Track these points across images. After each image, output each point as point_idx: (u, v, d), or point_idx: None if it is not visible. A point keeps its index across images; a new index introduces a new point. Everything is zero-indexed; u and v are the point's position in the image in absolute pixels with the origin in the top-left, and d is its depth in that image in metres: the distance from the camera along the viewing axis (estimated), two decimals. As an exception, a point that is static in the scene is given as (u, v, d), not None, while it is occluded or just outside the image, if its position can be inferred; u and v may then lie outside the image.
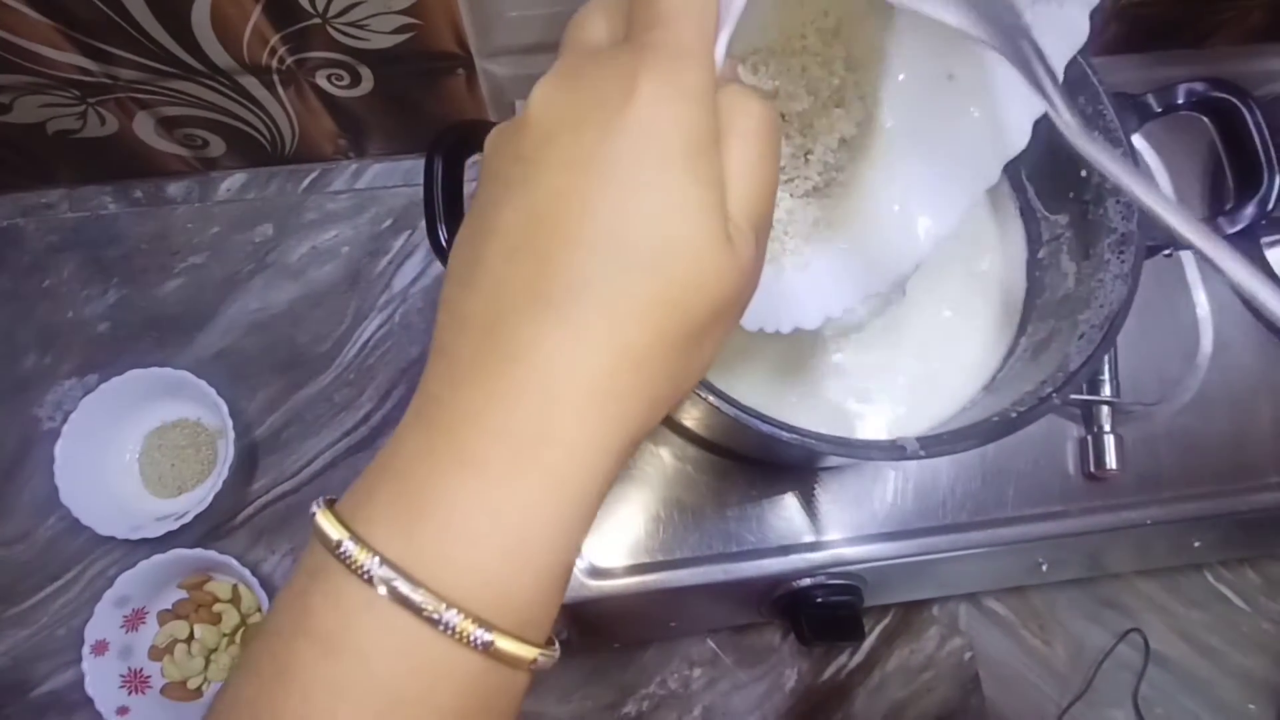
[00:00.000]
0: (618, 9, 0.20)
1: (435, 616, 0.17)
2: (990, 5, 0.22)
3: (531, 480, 0.18)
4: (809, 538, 0.45)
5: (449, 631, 0.17)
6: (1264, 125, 0.35)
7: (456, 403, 0.18)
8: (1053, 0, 0.27)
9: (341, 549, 0.17)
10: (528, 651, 0.18)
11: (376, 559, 0.17)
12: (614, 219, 0.17)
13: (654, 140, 0.18)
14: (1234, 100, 0.35)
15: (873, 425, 0.40)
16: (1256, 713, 0.56)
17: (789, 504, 0.46)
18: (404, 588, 0.17)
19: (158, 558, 0.50)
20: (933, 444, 0.30)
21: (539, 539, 0.18)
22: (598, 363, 0.17)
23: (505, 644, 0.17)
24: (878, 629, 0.57)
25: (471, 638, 0.17)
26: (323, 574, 0.18)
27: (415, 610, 0.17)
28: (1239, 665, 0.57)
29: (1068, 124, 0.21)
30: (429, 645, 0.17)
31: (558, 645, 0.19)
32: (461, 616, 0.17)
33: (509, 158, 0.19)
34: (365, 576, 0.17)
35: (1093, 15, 0.28)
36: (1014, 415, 0.31)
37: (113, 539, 0.51)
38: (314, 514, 0.18)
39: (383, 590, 0.17)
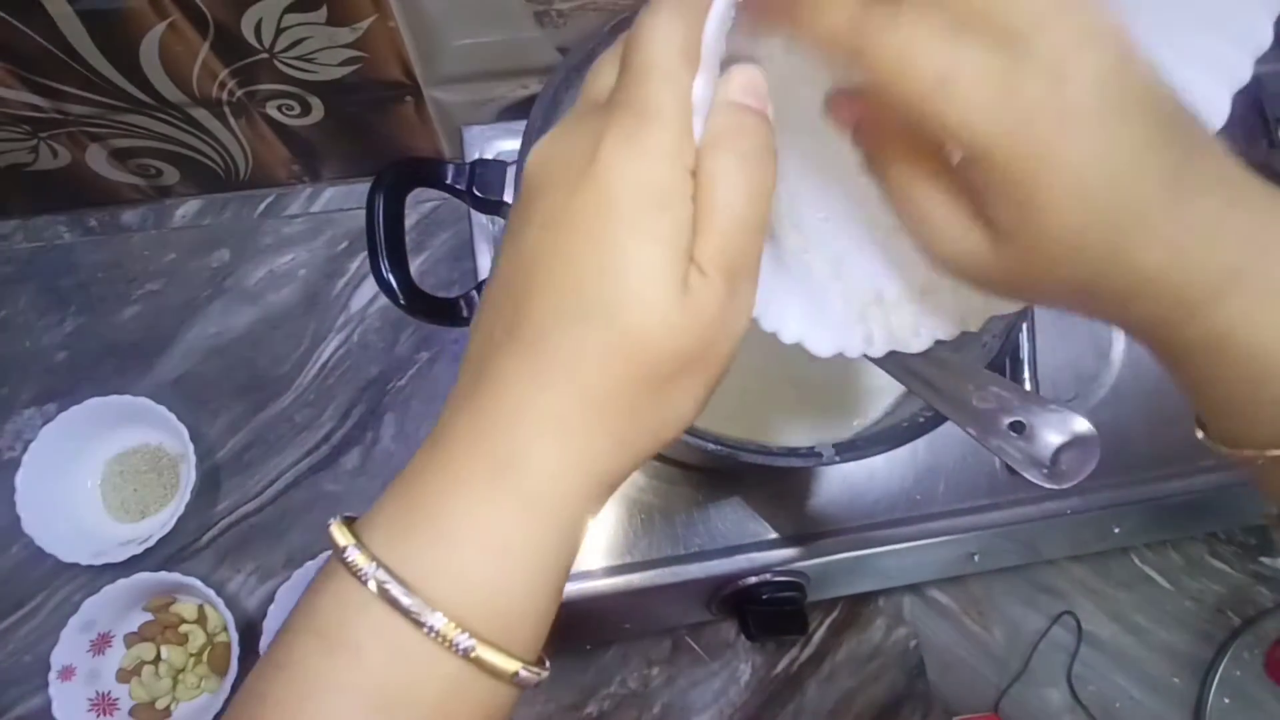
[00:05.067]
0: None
1: (420, 620, 0.18)
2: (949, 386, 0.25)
3: (508, 499, 0.19)
4: (753, 539, 0.48)
5: (433, 635, 0.18)
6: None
7: (451, 426, 0.20)
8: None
9: (346, 554, 0.19)
10: (508, 663, 0.19)
11: (374, 564, 0.19)
12: (572, 272, 0.19)
13: (609, 200, 0.19)
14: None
15: (803, 431, 0.43)
16: (1180, 685, 0.60)
17: (733, 507, 0.49)
18: (395, 590, 0.18)
19: (122, 582, 0.51)
20: (847, 449, 0.33)
21: (519, 555, 0.19)
22: (557, 399, 0.19)
23: (486, 653, 0.19)
24: (827, 622, 0.60)
25: (454, 643, 0.18)
26: (331, 576, 0.20)
27: (403, 612, 0.18)
28: (1164, 641, 0.61)
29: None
30: (415, 647, 0.19)
31: (548, 665, 0.20)
32: (446, 621, 0.18)
33: (513, 213, 0.21)
34: (363, 579, 0.19)
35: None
36: (920, 420, 0.34)
37: (76, 565, 0.52)
38: (330, 524, 0.20)
39: (375, 592, 0.19)
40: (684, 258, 0.19)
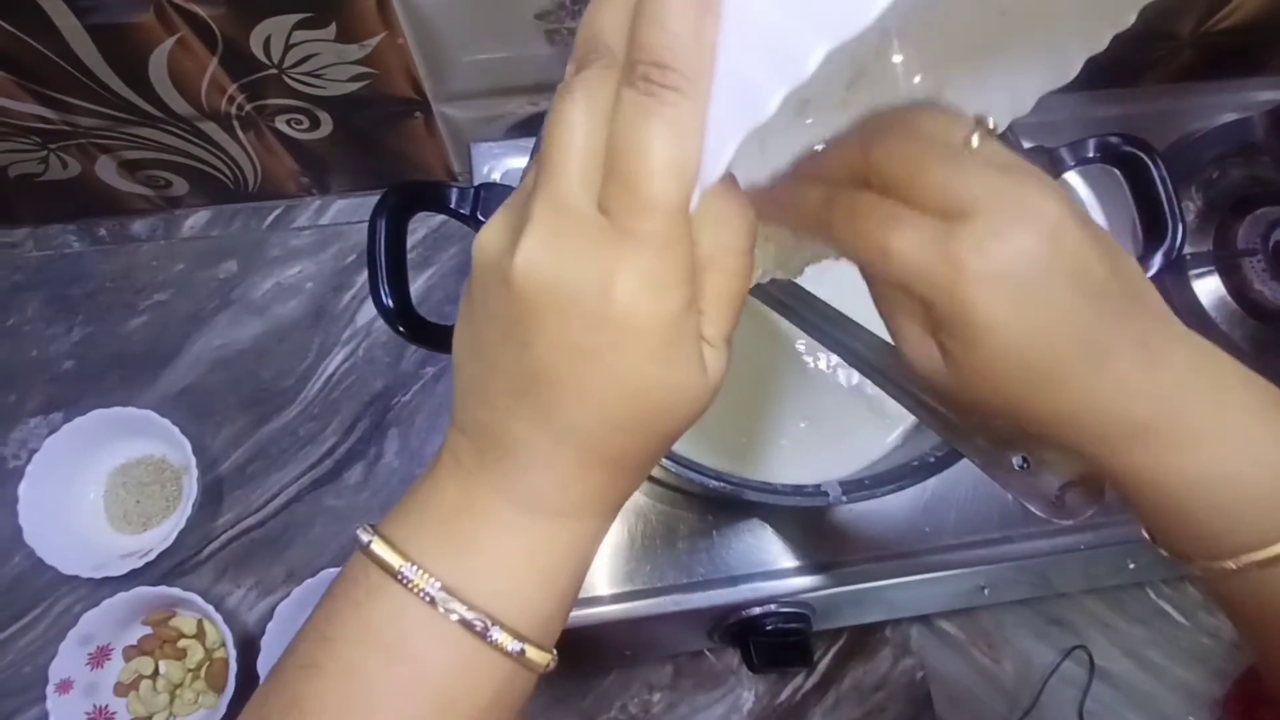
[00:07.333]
0: (600, 136, 0.19)
1: (484, 633, 0.21)
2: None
3: (555, 537, 0.22)
4: (758, 568, 0.47)
5: (493, 643, 0.21)
6: (1168, 179, 0.37)
7: (492, 482, 0.22)
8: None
9: (402, 574, 0.21)
10: (544, 657, 0.22)
11: (437, 584, 0.21)
12: (601, 398, 0.21)
13: (633, 340, 0.20)
14: (1141, 155, 0.37)
15: (810, 465, 0.42)
16: (1196, 724, 0.59)
17: (739, 535, 0.48)
18: (459, 608, 0.21)
19: (122, 595, 0.51)
20: (854, 489, 0.32)
21: (560, 572, 0.23)
22: (598, 477, 0.22)
23: (532, 652, 0.22)
24: (832, 650, 0.59)
25: (510, 647, 0.22)
26: (382, 593, 0.22)
27: (467, 625, 0.21)
28: (1179, 678, 0.59)
29: None
30: (476, 653, 0.21)
31: (555, 653, 0.23)
32: (502, 631, 0.21)
33: (501, 310, 0.20)
34: (426, 598, 0.21)
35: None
36: (931, 460, 0.33)
37: (77, 577, 0.52)
38: (368, 542, 0.22)
39: (444, 610, 0.21)
40: (699, 348, 0.21)
